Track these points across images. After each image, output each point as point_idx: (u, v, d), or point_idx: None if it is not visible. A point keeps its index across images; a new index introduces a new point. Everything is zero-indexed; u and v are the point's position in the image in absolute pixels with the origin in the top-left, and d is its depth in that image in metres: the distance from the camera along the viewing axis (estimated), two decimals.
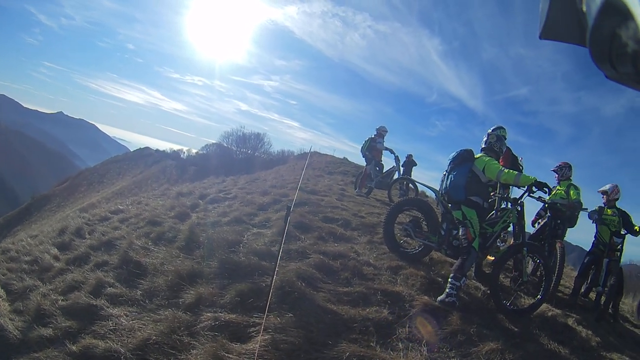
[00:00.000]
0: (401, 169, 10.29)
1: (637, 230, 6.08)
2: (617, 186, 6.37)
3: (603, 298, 5.77)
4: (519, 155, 6.45)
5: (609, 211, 6.28)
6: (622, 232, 6.13)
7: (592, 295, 6.57)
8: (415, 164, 13.21)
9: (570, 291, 6.27)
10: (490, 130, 4.77)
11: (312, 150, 24.31)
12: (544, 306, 4.78)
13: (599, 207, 6.34)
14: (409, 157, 13.11)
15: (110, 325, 3.31)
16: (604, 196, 6.37)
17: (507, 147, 5.83)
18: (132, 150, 52.65)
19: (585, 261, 6.40)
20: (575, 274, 7.00)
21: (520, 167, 6.31)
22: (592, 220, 6.24)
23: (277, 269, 3.14)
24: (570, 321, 4.77)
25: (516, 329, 4.07)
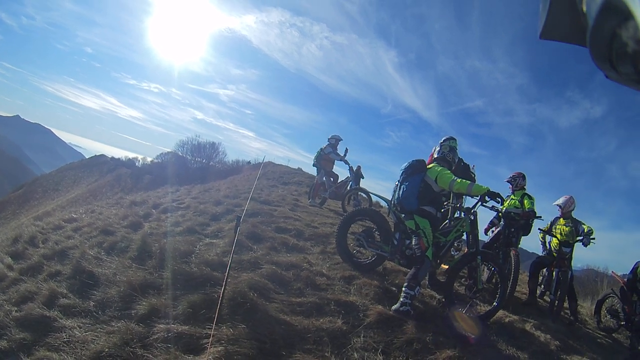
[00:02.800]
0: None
1: (586, 230, 6.26)
2: (571, 198, 6.57)
3: (556, 303, 5.98)
4: (470, 164, 6.62)
5: (562, 221, 6.53)
6: (571, 242, 6.33)
7: (547, 298, 6.84)
8: (362, 177, 13.24)
9: (526, 296, 6.53)
10: (442, 141, 4.89)
11: (266, 160, 24.20)
12: (500, 312, 4.89)
13: (555, 218, 6.67)
14: (358, 168, 13.17)
15: (64, 337, 3.20)
16: (560, 209, 6.59)
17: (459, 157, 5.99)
18: (87, 158, 51.05)
19: (535, 262, 6.68)
20: None
21: (473, 175, 6.47)
22: (541, 232, 6.54)
23: (227, 279, 3.11)
24: (528, 326, 4.88)
25: (473, 336, 4.12)
